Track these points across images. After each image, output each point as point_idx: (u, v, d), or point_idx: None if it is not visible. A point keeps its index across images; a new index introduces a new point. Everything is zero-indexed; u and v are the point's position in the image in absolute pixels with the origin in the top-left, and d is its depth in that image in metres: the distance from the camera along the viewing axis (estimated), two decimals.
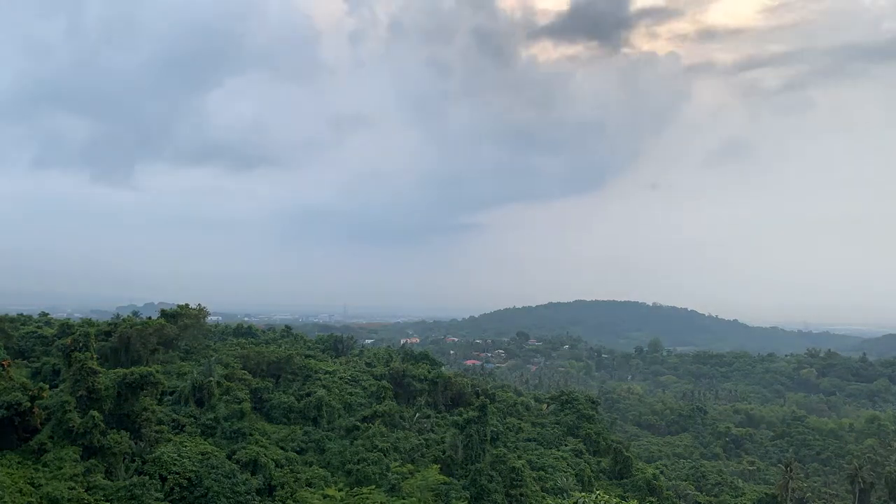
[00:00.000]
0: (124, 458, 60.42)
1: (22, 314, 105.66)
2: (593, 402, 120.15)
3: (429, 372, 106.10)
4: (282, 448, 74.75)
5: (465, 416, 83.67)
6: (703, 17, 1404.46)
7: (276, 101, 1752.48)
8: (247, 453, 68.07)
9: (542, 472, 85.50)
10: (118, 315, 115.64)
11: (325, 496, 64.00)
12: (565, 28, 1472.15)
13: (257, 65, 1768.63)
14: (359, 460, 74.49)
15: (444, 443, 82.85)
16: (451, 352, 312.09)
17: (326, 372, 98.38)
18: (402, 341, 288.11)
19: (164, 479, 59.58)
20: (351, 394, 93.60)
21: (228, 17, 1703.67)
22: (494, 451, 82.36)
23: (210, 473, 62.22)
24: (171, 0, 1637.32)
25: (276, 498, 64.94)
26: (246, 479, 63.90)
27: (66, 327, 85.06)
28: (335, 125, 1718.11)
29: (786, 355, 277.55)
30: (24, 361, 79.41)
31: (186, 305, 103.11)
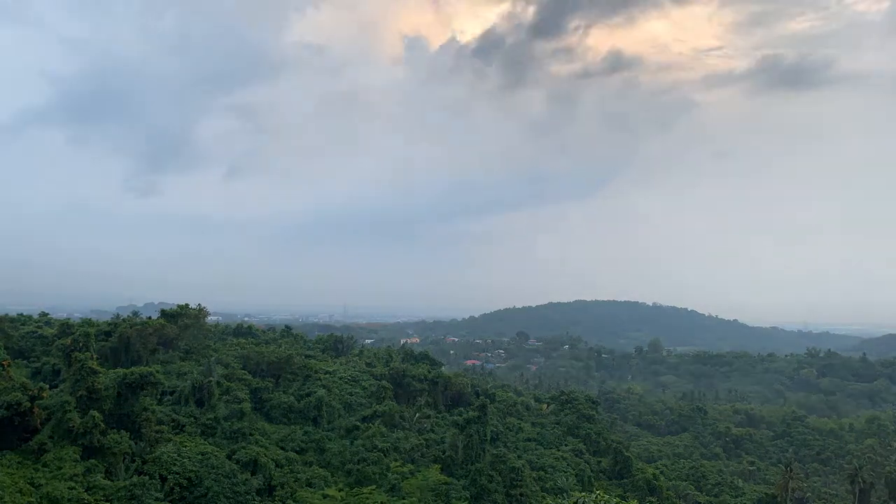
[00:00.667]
0: (124, 458, 60.43)
1: (22, 314, 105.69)
2: (593, 402, 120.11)
3: (429, 372, 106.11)
4: (282, 448, 74.75)
5: (465, 416, 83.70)
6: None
7: (278, 103, 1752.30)
8: (247, 453, 68.07)
9: (542, 472, 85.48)
10: (118, 315, 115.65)
11: (325, 496, 64.01)
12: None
13: (266, 71, 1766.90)
14: (359, 460, 74.52)
15: (444, 443, 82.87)
16: (451, 352, 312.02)
17: (326, 372, 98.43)
18: (402, 341, 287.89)
19: (164, 479, 59.59)
20: (351, 394, 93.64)
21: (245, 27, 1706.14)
22: (494, 451, 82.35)
23: (210, 473, 62.23)
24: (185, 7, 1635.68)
25: (276, 498, 64.94)
26: (246, 479, 63.92)
27: (66, 327, 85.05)
28: (339, 126, 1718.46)
29: (786, 355, 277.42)
30: (24, 361, 79.44)
31: (186, 305, 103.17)
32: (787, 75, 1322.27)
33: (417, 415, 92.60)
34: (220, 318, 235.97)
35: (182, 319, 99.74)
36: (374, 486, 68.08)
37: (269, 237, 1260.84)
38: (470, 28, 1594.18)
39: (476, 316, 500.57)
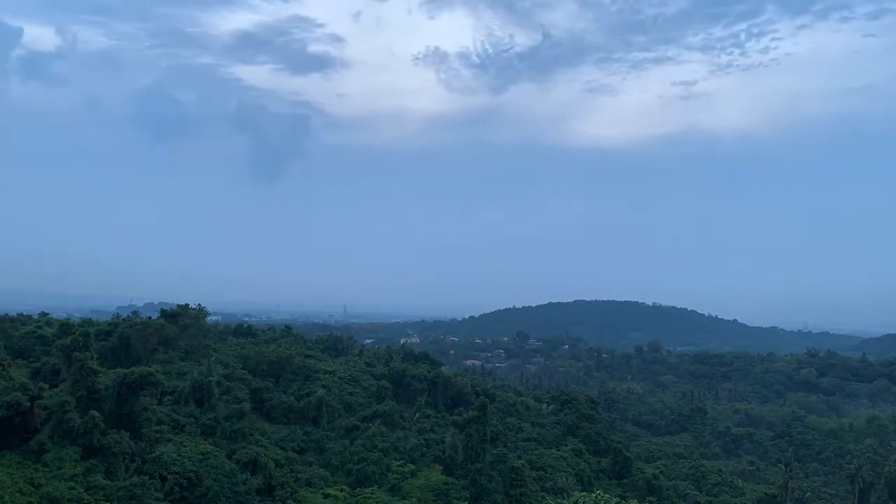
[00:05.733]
0: (124, 458, 60.47)
1: (22, 314, 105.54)
2: (593, 402, 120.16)
3: (429, 372, 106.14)
4: (282, 448, 74.82)
5: (465, 415, 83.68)
6: None
7: None
8: (247, 453, 68.12)
9: (542, 472, 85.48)
10: (118, 315, 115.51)
11: (325, 496, 63.97)
12: None
13: None
14: (359, 460, 74.57)
15: (444, 443, 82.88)
16: (451, 352, 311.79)
17: (326, 372, 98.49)
18: (402, 341, 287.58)
19: (164, 479, 59.63)
20: (351, 394, 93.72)
21: None
22: (494, 451, 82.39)
23: (210, 473, 62.28)
24: None
25: (276, 498, 65.01)
26: (246, 479, 63.98)
27: (66, 327, 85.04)
28: None
29: (785, 355, 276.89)
30: (24, 361, 79.41)
31: (186, 305, 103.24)
32: None
33: (417, 415, 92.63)
34: (220, 318, 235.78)
35: (182, 319, 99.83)
36: (374, 486, 68.07)
37: (270, 236, 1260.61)
38: None
39: (476, 316, 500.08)
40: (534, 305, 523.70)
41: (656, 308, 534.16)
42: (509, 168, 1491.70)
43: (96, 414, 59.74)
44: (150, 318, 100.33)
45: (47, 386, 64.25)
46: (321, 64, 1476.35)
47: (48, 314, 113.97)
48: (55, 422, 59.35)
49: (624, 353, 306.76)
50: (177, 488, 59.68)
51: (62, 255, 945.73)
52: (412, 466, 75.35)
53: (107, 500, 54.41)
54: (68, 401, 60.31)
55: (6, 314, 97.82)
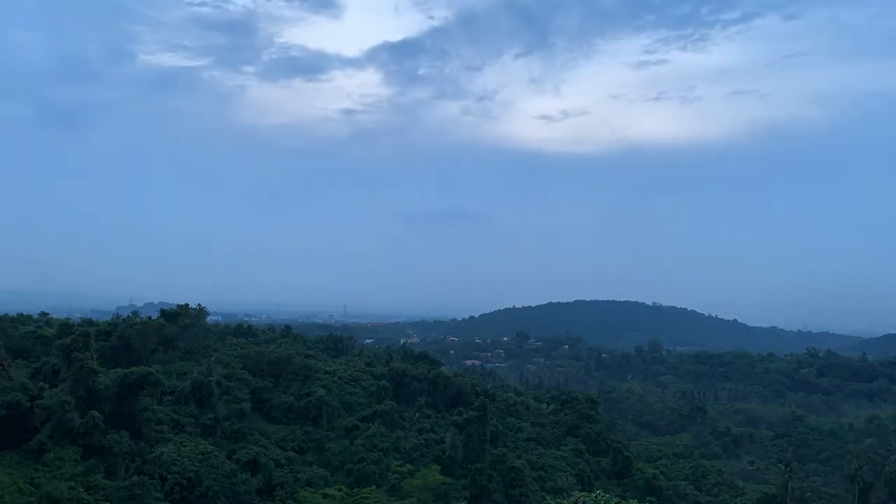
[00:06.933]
0: (124, 458, 60.48)
1: (22, 314, 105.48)
2: (593, 402, 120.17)
3: (429, 372, 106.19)
4: (282, 448, 74.87)
5: (465, 415, 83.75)
6: None
7: None
8: (247, 453, 68.16)
9: (542, 472, 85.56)
10: (118, 315, 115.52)
11: (325, 496, 64.01)
12: None
13: None
14: (359, 460, 74.58)
15: (444, 443, 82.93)
16: (451, 352, 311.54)
17: (326, 372, 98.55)
18: (402, 341, 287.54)
19: (164, 479, 59.67)
20: (351, 394, 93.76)
21: None
22: (494, 451, 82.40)
23: (210, 473, 62.34)
24: None
25: (276, 498, 65.06)
26: (246, 479, 64.02)
27: (66, 327, 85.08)
28: None
29: (785, 355, 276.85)
30: (24, 361, 79.42)
31: (186, 305, 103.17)
32: None
33: (417, 415, 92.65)
34: (220, 318, 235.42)
35: (182, 319, 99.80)
36: (373, 486, 68.09)
37: (269, 236, 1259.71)
38: None
39: (476, 316, 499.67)
40: (534, 305, 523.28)
41: (656, 308, 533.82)
42: (509, 168, 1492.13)
43: (96, 414, 59.77)
44: (150, 318, 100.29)
45: (47, 386, 64.30)
46: (316, 65, 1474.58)
47: (48, 314, 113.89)
48: (55, 422, 59.38)
49: (624, 353, 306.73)
50: (177, 488, 59.72)
51: (62, 255, 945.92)
52: (410, 466, 75.40)
53: (107, 500, 54.44)
54: (68, 401, 60.33)
55: (6, 314, 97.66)
